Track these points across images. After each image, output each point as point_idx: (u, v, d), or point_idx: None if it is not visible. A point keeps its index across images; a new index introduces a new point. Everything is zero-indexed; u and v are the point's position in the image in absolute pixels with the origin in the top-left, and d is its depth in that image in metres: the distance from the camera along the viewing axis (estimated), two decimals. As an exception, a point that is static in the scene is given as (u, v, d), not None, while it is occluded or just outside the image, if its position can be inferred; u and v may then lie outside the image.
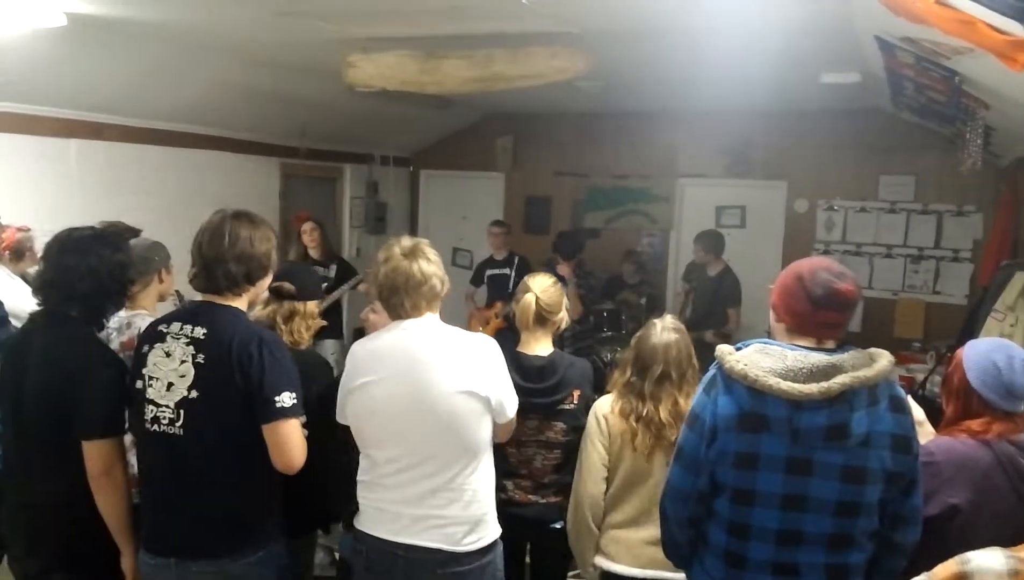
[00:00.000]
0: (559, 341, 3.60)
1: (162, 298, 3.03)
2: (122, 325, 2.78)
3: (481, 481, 2.33)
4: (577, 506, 2.72)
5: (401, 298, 2.30)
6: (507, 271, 6.51)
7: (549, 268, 5.91)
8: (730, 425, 1.88)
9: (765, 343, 1.93)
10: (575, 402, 2.86)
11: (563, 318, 2.99)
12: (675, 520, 2.04)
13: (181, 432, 2.21)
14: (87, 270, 2.40)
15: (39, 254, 2.58)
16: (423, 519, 2.26)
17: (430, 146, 8.56)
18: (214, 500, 2.23)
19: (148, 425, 2.26)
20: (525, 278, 3.03)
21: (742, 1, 3.24)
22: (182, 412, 2.20)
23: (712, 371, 1.97)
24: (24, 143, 4.71)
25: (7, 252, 3.82)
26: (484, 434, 2.31)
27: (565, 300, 3.00)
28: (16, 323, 3.11)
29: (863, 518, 1.87)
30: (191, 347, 2.22)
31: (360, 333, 3.23)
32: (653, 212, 7.70)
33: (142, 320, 2.78)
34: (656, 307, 6.65)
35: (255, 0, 3.66)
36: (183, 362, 2.21)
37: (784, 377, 1.82)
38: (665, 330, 2.70)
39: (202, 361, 2.20)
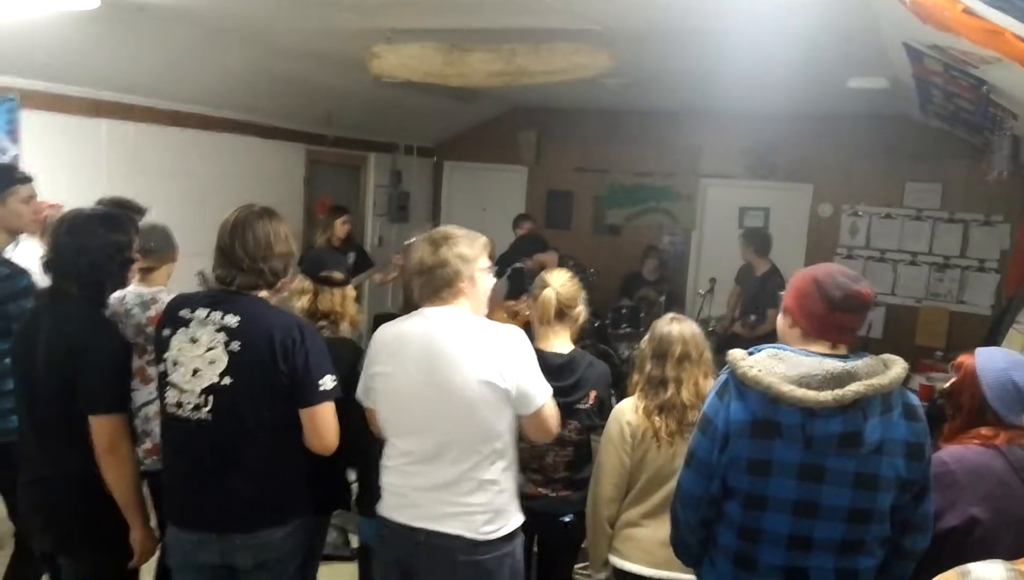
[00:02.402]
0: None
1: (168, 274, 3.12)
2: (145, 300, 2.83)
3: (503, 471, 2.33)
4: (594, 506, 2.76)
5: (419, 283, 2.34)
6: (530, 264, 6.50)
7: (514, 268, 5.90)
8: (743, 431, 1.87)
9: (779, 348, 1.92)
10: (590, 402, 2.88)
11: (581, 312, 3.01)
12: (686, 524, 2.03)
13: (210, 418, 2.24)
14: (84, 249, 2.43)
15: None
16: (444, 505, 2.27)
17: (454, 137, 8.58)
18: (247, 481, 2.27)
19: (171, 409, 2.29)
20: (542, 273, 3.05)
21: (768, 3, 3.22)
22: (211, 398, 2.23)
23: (724, 376, 1.96)
24: (56, 121, 4.79)
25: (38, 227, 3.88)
26: (503, 425, 2.30)
27: (583, 294, 3.02)
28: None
29: (875, 524, 1.87)
30: (222, 334, 2.23)
31: (385, 319, 3.28)
32: (675, 211, 7.68)
33: (167, 295, 2.85)
34: (675, 305, 6.63)
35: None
36: (211, 349, 2.23)
37: (798, 384, 1.81)
38: (674, 320, 2.77)
39: (237, 349, 2.22)
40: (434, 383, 2.25)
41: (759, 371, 1.83)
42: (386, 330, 2.40)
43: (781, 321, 2.04)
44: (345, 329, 2.93)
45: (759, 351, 1.92)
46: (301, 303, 2.87)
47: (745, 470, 1.88)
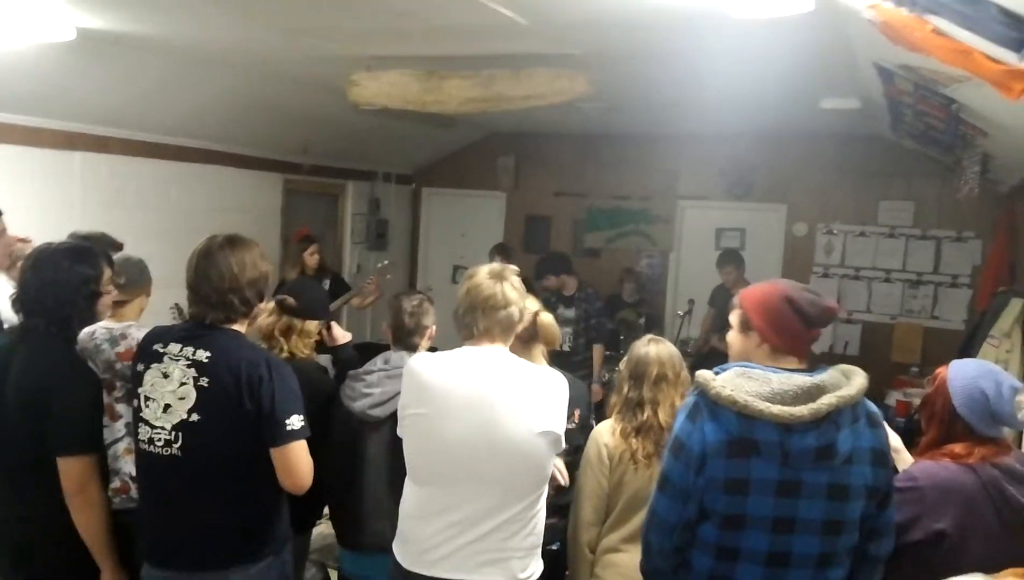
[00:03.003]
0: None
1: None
2: (115, 336, 2.79)
3: (541, 512, 2.29)
4: (574, 532, 2.74)
5: (475, 318, 2.24)
6: (554, 282, 6.44)
7: (550, 291, 5.88)
8: (719, 452, 1.86)
9: (746, 367, 1.92)
10: (576, 421, 2.87)
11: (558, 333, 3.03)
12: (659, 551, 2.00)
13: (180, 454, 2.19)
14: (49, 283, 2.40)
15: None
16: (483, 554, 2.19)
17: (432, 164, 8.60)
18: (218, 517, 2.22)
19: (143, 444, 2.25)
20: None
21: (741, 26, 3.27)
22: (180, 435, 2.19)
23: (693, 398, 1.94)
24: (29, 155, 4.74)
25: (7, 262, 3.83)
26: (550, 468, 2.28)
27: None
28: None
29: (845, 535, 1.88)
30: (192, 370, 2.19)
31: (361, 349, 3.25)
32: (653, 233, 7.73)
33: (137, 330, 2.80)
34: (655, 326, 6.64)
35: (261, 18, 3.71)
36: (183, 384, 2.19)
37: (772, 400, 1.81)
38: (651, 342, 2.78)
39: (206, 384, 2.18)
40: (489, 435, 2.16)
41: (732, 391, 1.83)
42: (424, 367, 2.27)
43: (741, 340, 2.03)
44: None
45: (724, 370, 1.92)
46: (260, 320, 2.85)
47: (722, 490, 1.86)
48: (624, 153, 7.69)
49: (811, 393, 1.82)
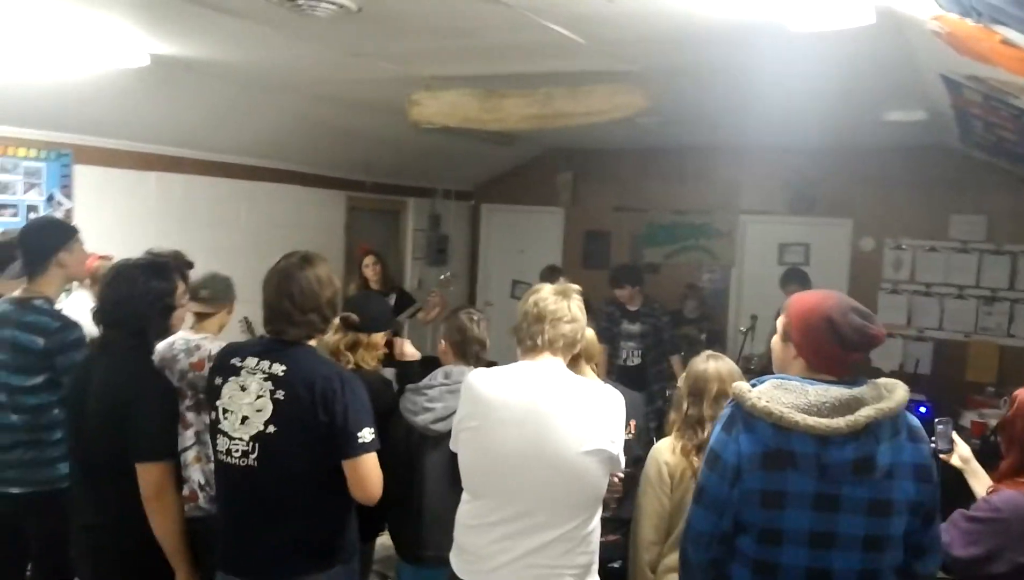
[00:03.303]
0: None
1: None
2: (190, 346, 2.90)
3: (594, 529, 2.29)
4: (635, 552, 2.72)
5: (541, 329, 2.28)
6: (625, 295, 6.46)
7: (614, 306, 5.87)
8: (754, 464, 1.84)
9: (782, 379, 1.90)
10: (632, 432, 2.87)
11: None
12: (697, 564, 1.98)
13: (256, 464, 2.26)
14: (126, 298, 2.51)
15: None
16: (536, 567, 2.21)
17: (491, 180, 8.68)
18: (293, 527, 2.28)
19: (221, 455, 2.33)
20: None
21: (800, 39, 3.24)
22: (257, 446, 2.26)
23: (729, 409, 1.93)
24: (108, 175, 4.98)
25: (88, 278, 4.01)
26: (604, 485, 2.29)
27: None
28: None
29: (889, 552, 1.83)
30: (269, 383, 2.26)
31: (424, 363, 3.31)
32: (714, 248, 7.65)
33: (211, 343, 2.91)
34: (717, 342, 6.56)
35: (324, 42, 3.82)
36: (260, 397, 2.26)
37: (808, 412, 1.79)
38: (710, 358, 2.75)
39: (282, 397, 2.24)
40: (539, 448, 2.19)
41: (768, 402, 1.81)
42: (480, 381, 2.33)
43: (781, 348, 1.99)
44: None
45: (762, 382, 1.90)
46: (327, 337, 2.92)
47: (759, 503, 1.84)
48: (683, 167, 7.63)
49: (849, 405, 1.79)
